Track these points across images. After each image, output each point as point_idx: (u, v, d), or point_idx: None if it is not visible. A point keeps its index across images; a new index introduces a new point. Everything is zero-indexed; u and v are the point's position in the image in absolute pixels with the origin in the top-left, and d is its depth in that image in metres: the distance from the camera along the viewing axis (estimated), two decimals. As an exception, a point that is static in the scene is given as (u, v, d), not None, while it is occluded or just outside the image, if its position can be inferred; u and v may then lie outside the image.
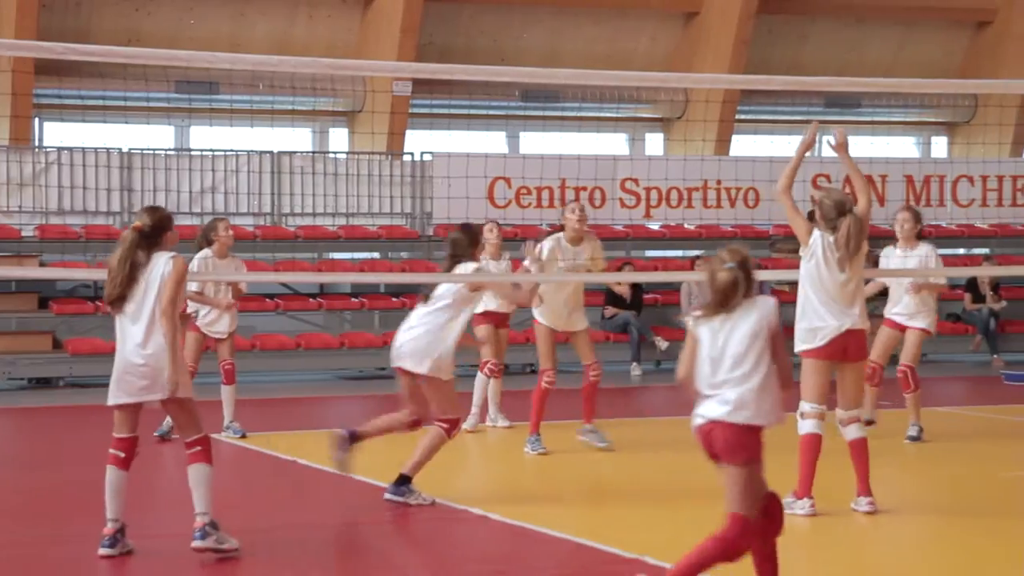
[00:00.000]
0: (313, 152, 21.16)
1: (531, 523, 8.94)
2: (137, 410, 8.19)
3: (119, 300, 8.08)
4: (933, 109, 24.02)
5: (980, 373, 19.40)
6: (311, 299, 19.36)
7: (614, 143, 23.47)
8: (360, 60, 20.00)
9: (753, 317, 6.55)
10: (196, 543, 8.10)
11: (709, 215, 21.10)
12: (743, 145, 23.24)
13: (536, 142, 22.63)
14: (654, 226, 21.30)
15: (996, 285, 20.87)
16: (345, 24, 21.28)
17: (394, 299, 19.46)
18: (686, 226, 21.32)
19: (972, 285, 20.80)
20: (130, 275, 8.03)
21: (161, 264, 8.05)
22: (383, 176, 20.30)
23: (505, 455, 12.44)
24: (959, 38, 23.91)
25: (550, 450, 11.92)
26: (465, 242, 10.10)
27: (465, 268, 9.96)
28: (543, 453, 11.90)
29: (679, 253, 21.71)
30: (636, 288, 19.81)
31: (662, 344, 19.59)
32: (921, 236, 12.63)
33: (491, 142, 22.82)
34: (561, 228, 12.15)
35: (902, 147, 24.69)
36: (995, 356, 20.26)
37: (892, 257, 12.60)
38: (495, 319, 13.44)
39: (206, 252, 12.63)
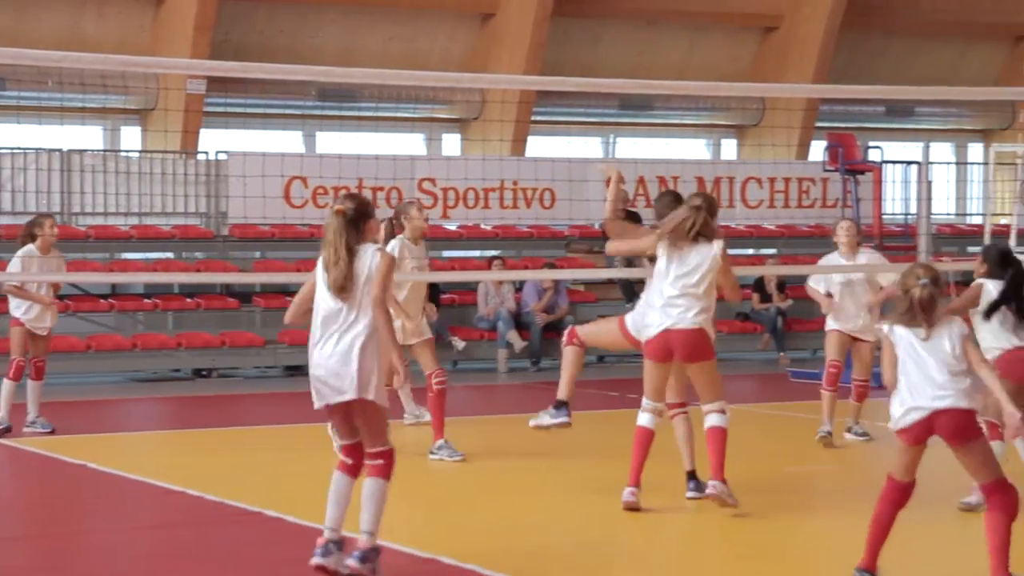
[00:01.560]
0: (104, 150, 20.78)
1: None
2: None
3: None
4: (723, 112, 24.54)
5: (768, 371, 19.88)
6: (102, 300, 19.01)
7: (411, 143, 23.50)
8: (151, 57, 19.69)
9: (955, 332, 7.17)
10: (352, 563, 7.40)
11: (506, 215, 21.26)
12: (539, 146, 23.46)
13: (333, 142, 22.55)
14: (451, 226, 21.39)
15: (782, 285, 21.42)
16: (137, 21, 20.94)
17: (188, 299, 19.23)
18: (483, 226, 21.45)
19: (759, 285, 21.31)
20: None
21: (368, 256, 7.46)
22: (177, 175, 20.03)
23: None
24: (747, 42, 24.46)
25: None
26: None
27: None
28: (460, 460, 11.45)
29: (476, 253, 21.83)
30: (433, 288, 19.86)
31: (459, 344, 19.68)
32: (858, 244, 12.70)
33: (287, 141, 22.68)
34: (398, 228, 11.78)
35: (693, 149, 25.18)
36: (781, 354, 20.79)
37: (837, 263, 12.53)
38: None
39: (30, 248, 12.81)
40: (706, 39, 24.22)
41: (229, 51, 21.03)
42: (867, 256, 12.71)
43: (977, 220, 23.75)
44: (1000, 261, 9.79)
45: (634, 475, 9.38)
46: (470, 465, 11.35)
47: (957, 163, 25.87)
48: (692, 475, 9.82)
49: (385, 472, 7.44)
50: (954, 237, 23.38)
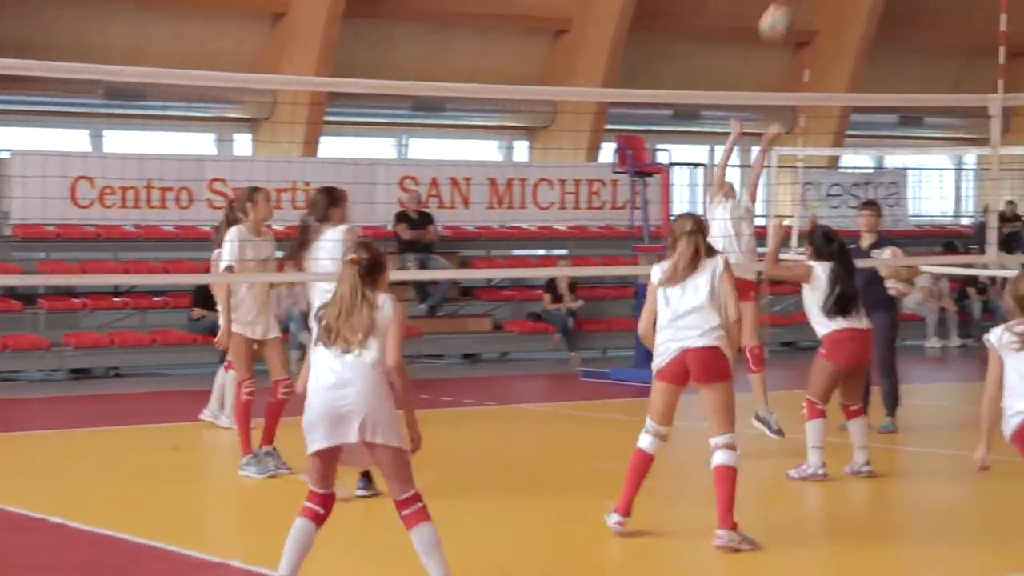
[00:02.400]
0: None
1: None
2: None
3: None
4: (514, 114, 24.71)
5: (559, 370, 20.08)
6: None
7: (202, 143, 23.18)
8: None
9: None
10: None
11: (296, 216, 21.05)
12: (331, 146, 23.35)
13: (121, 141, 22.13)
14: (242, 227, 21.12)
15: (573, 285, 21.66)
16: (-86, 15, 20.32)
17: (-29, 301, 18.71)
18: (275, 227, 21.22)
19: (551, 285, 21.53)
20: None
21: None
22: (-44, 175, 19.45)
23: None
24: (538, 45, 24.66)
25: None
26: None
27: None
28: (272, 475, 10.72)
29: (277, 254, 21.59)
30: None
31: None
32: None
33: (73, 140, 22.18)
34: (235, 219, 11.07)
35: (485, 150, 25.32)
36: (573, 354, 21.03)
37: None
38: None
39: None
40: (497, 41, 24.37)
41: (10, 48, 20.48)
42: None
43: (760, 222, 24.31)
44: (825, 241, 10.64)
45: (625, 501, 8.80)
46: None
47: (741, 166, 26.45)
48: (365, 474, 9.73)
49: (427, 515, 6.96)
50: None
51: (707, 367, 8.56)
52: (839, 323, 10.68)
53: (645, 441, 8.81)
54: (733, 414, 8.61)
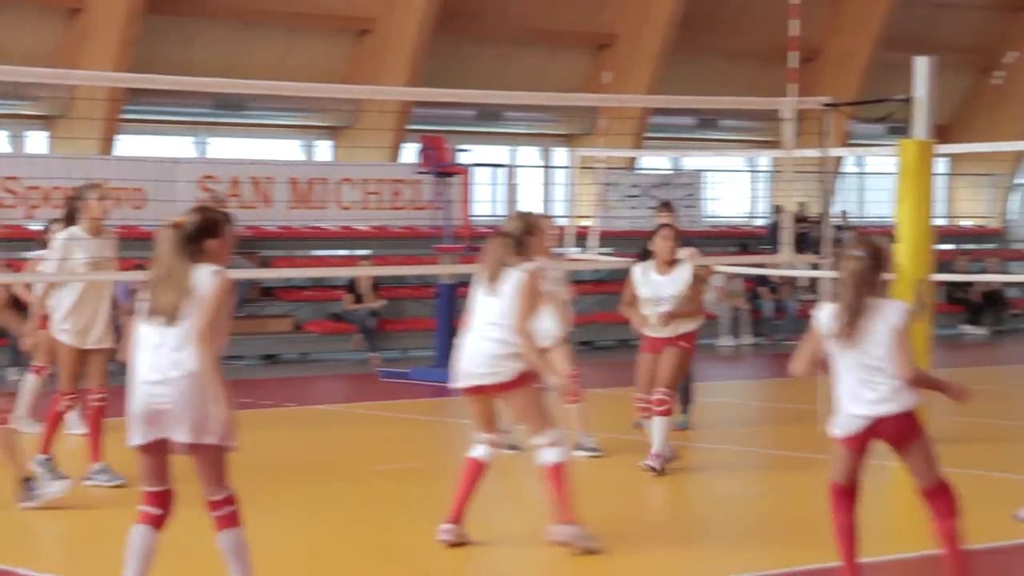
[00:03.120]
0: None
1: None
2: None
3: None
4: (317, 113, 24.60)
5: (360, 371, 20.07)
6: None
7: (-7, 140, 22.67)
8: None
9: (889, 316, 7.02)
10: None
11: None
12: (131, 145, 23.00)
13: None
14: (39, 227, 20.72)
15: (375, 285, 21.67)
16: None
17: None
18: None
19: (352, 286, 21.50)
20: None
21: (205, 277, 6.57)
22: None
23: None
24: (342, 44, 24.59)
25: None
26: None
27: None
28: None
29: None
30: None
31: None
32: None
33: None
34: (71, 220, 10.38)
35: (287, 150, 25.16)
36: (373, 354, 21.02)
37: None
38: None
39: None
40: (301, 41, 24.22)
41: None
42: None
43: (562, 222, 24.58)
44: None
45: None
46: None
47: (543, 166, 26.74)
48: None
49: (239, 519, 6.68)
50: (540, 238, 24.10)
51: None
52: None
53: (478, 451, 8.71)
54: (544, 414, 8.47)
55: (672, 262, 11.28)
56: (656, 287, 11.23)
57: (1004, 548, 8.70)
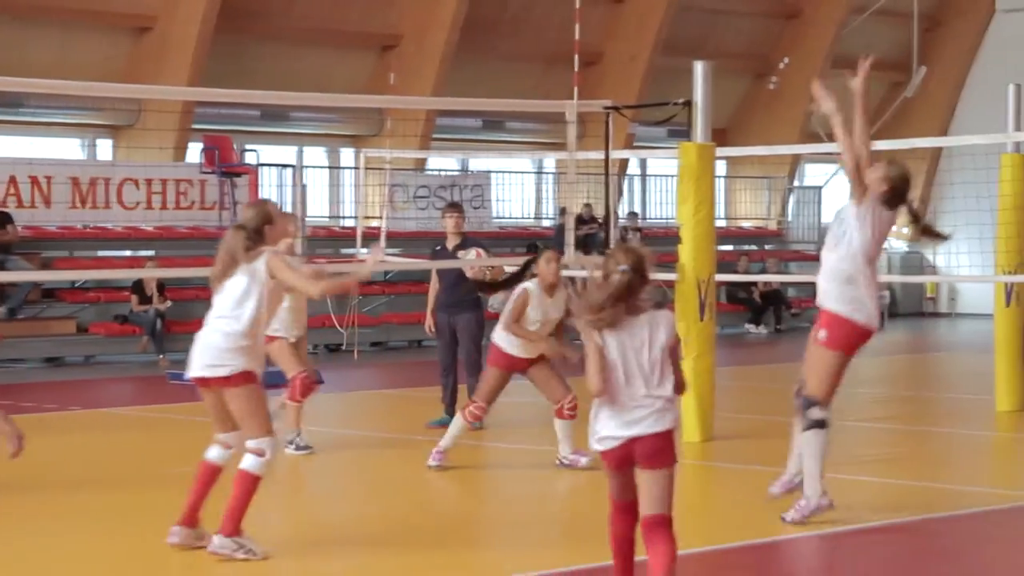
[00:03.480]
0: None
1: None
2: None
3: None
4: (97, 112, 24.13)
5: (147, 373, 19.78)
6: None
7: None
8: None
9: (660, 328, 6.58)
10: None
11: None
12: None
13: None
14: None
15: (161, 286, 21.36)
16: None
17: None
18: None
19: (138, 287, 21.17)
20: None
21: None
22: None
23: None
24: (121, 42, 24.16)
25: None
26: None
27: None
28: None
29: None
30: None
31: None
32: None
33: None
34: None
35: (67, 149, 24.63)
36: (161, 356, 20.73)
37: None
38: None
39: None
40: (78, 37, 23.74)
41: None
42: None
43: (350, 223, 24.57)
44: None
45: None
46: None
47: (330, 167, 26.66)
48: None
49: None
50: (329, 239, 24.05)
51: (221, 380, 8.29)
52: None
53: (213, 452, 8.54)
54: (260, 417, 8.25)
55: (555, 285, 11.31)
56: (545, 309, 11.25)
57: (765, 544, 8.93)
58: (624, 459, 6.59)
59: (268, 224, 8.40)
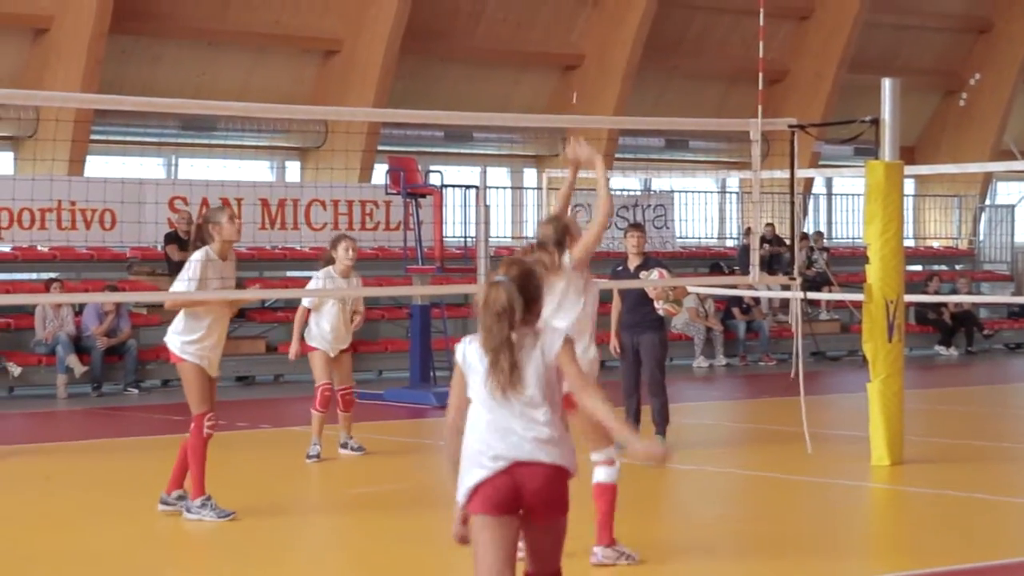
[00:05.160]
0: None
1: None
2: None
3: None
4: (285, 134, 24.57)
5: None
6: None
7: (-42, 161, 22.57)
8: None
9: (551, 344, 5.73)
10: None
11: (63, 237, 20.66)
12: (98, 165, 22.91)
13: None
14: (5, 248, 20.65)
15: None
16: None
17: None
18: (39, 248, 20.80)
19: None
20: None
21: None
22: None
23: None
24: (309, 65, 24.58)
25: None
26: None
27: None
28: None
29: (32, 276, 21.12)
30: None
31: (15, 370, 19.03)
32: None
33: None
34: None
35: (256, 171, 25.11)
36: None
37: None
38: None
39: None
40: (267, 61, 24.21)
41: None
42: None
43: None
44: None
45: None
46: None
47: (513, 187, 26.76)
48: None
49: None
50: (511, 259, 24.10)
51: None
52: None
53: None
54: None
55: None
56: None
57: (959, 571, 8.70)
58: (511, 491, 5.63)
59: None
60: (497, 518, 5.57)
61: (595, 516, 8.50)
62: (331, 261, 13.15)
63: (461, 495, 5.61)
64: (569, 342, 5.75)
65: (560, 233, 8.66)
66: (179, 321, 10.09)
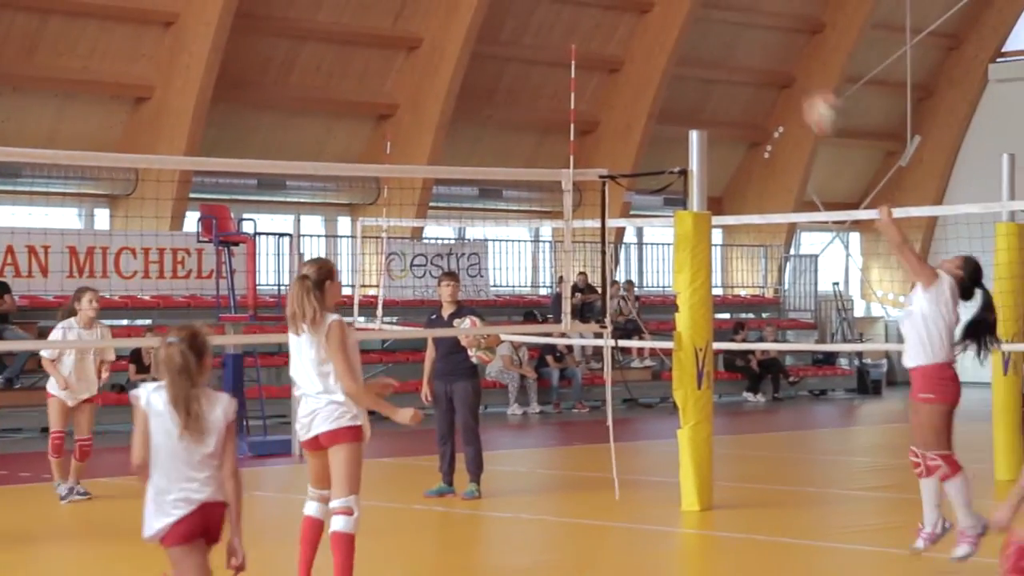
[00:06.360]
0: None
1: None
2: None
3: None
4: (94, 181, 24.17)
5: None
6: None
7: None
8: None
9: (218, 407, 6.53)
10: None
11: None
12: None
13: None
14: None
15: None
16: None
17: None
18: None
19: (137, 356, 21.12)
20: None
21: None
22: None
23: None
24: (119, 112, 24.26)
25: None
26: None
27: None
28: None
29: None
30: None
31: None
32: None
33: None
34: None
35: (64, 218, 24.65)
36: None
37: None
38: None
39: None
40: (77, 107, 23.84)
41: None
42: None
43: (347, 291, 24.58)
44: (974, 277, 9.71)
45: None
46: None
47: (327, 236, 26.69)
48: None
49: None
50: (324, 307, 24.01)
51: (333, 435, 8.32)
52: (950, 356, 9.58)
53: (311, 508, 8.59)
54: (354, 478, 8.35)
55: None
56: None
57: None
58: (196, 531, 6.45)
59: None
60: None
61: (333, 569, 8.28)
62: (72, 312, 13.48)
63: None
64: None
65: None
66: None
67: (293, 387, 8.77)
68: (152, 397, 6.49)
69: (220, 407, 6.50)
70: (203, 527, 6.42)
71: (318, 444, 8.37)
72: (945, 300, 9.54)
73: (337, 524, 8.30)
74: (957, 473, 9.49)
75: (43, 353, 13.73)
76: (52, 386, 13.63)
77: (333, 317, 8.32)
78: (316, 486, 8.53)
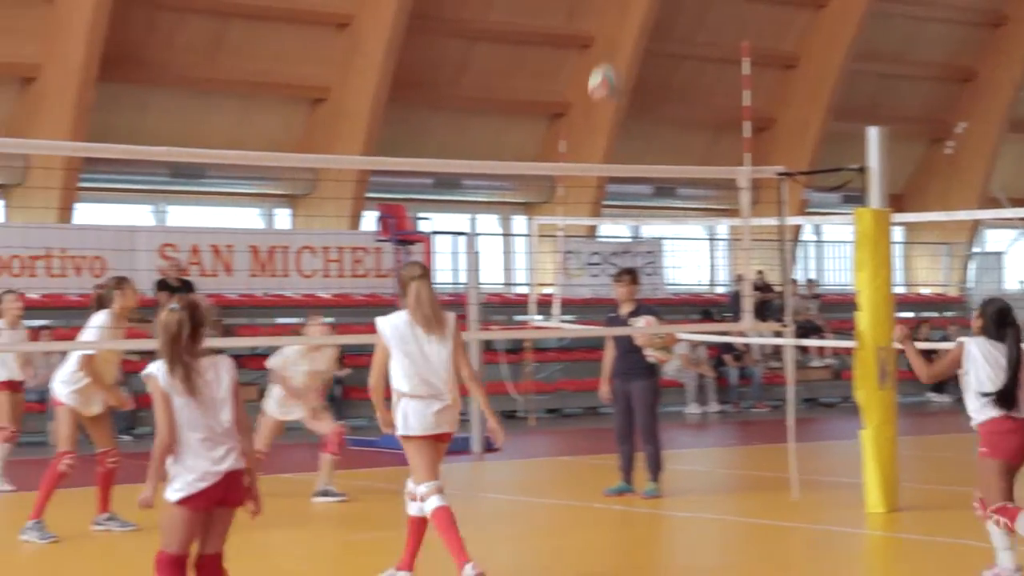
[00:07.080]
0: None
1: None
2: None
3: None
4: (275, 182, 24.61)
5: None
6: None
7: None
8: None
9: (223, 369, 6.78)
10: None
11: (54, 284, 20.65)
12: (87, 213, 22.92)
13: None
14: (-6, 295, 20.60)
15: (339, 353, 21.53)
16: None
17: None
18: (30, 295, 20.76)
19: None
20: None
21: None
22: None
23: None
24: (298, 113, 24.65)
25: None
26: None
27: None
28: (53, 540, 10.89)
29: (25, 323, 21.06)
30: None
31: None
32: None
33: None
34: None
35: (246, 218, 25.13)
36: (340, 422, 20.83)
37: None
38: (11, 386, 13.86)
39: None
40: (257, 109, 24.28)
41: None
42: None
43: (523, 290, 24.65)
44: (998, 320, 9.22)
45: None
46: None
47: (503, 234, 26.80)
48: None
49: None
50: (502, 306, 24.15)
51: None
52: (998, 411, 9.12)
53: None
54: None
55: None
56: None
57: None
58: (213, 499, 6.67)
59: None
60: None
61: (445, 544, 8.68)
62: (105, 304, 11.42)
63: None
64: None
65: None
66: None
67: (402, 386, 8.88)
68: (163, 373, 6.66)
69: (225, 371, 6.73)
70: (223, 494, 6.65)
71: (441, 439, 8.89)
72: (979, 364, 9.17)
73: (437, 502, 8.72)
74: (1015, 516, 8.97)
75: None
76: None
77: (452, 314, 8.83)
78: (435, 477, 8.85)
